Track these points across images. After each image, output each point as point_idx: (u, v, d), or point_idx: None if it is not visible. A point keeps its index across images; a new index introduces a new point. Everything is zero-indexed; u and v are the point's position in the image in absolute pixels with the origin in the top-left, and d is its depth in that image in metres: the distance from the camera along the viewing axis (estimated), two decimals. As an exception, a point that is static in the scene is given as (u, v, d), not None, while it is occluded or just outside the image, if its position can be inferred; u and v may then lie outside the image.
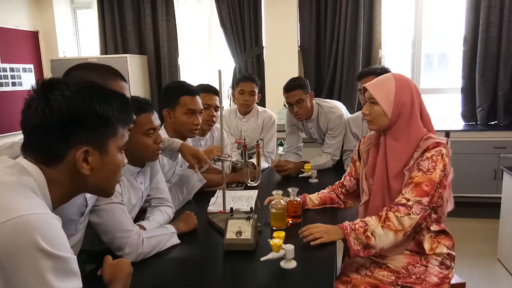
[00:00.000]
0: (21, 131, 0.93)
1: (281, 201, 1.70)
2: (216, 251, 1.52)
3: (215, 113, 2.39)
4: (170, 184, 2.05)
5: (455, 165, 1.64)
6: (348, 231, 1.50)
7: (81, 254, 1.39)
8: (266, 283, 1.31)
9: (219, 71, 1.75)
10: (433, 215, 1.60)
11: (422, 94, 1.66)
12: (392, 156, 1.61)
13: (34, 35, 4.74)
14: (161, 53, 4.62)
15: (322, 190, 1.98)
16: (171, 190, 2.01)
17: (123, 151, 1.03)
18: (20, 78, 4.49)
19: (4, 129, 4.28)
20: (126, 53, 4.61)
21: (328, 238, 1.49)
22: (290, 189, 1.78)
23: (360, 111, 2.16)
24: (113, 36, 4.71)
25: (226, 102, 4.46)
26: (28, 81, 4.56)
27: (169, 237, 1.54)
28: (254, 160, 2.37)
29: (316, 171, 2.48)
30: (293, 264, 1.35)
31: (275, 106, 3.90)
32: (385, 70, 2.41)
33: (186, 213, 1.75)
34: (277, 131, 3.06)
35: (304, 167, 2.50)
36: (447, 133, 3.65)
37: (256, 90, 2.88)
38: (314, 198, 1.93)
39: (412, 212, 1.47)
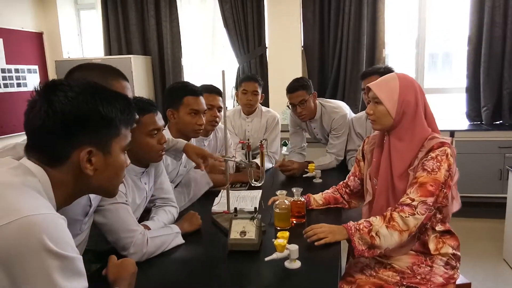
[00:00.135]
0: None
1: (285, 201, 1.70)
2: (220, 251, 1.52)
3: (218, 114, 2.39)
4: (174, 184, 2.06)
5: (460, 165, 1.63)
6: (353, 231, 1.49)
7: (87, 254, 1.39)
8: (270, 283, 1.31)
9: (223, 72, 1.75)
10: (438, 215, 1.59)
11: (426, 94, 1.65)
12: (396, 156, 1.60)
13: (39, 36, 4.76)
14: (164, 53, 4.63)
15: (326, 190, 1.98)
16: (178, 190, 2.01)
17: (126, 151, 1.03)
18: (25, 79, 4.52)
19: (9, 129, 4.30)
20: (130, 54, 4.62)
21: (333, 238, 1.49)
22: (294, 189, 1.78)
23: (364, 111, 2.15)
24: (117, 37, 4.73)
25: (230, 102, 4.47)
26: (32, 82, 4.58)
27: (173, 237, 1.54)
28: (258, 160, 2.37)
29: (320, 171, 2.48)
30: (297, 264, 1.35)
31: (279, 106, 3.89)
32: (388, 70, 2.40)
33: (190, 213, 1.75)
34: (281, 131, 3.06)
35: (308, 167, 2.49)
36: (452, 133, 3.63)
37: (259, 90, 2.88)
38: (318, 198, 1.92)
39: (417, 212, 1.46)
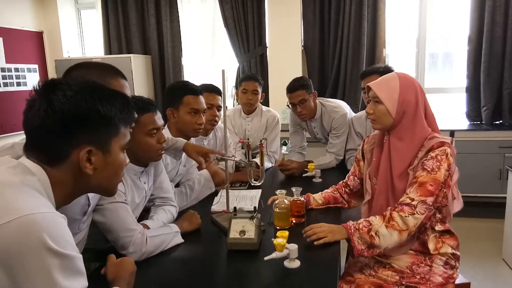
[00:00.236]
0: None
1: (285, 200, 1.70)
2: (220, 251, 1.52)
3: (217, 113, 2.39)
4: (174, 183, 2.05)
5: (459, 165, 1.63)
6: (352, 230, 1.49)
7: (86, 253, 1.38)
8: (270, 283, 1.31)
9: (223, 71, 1.75)
10: (438, 215, 1.59)
11: (426, 94, 1.65)
12: (396, 156, 1.60)
13: (39, 35, 4.76)
14: (165, 53, 4.62)
15: (326, 190, 1.98)
16: (180, 190, 2.00)
17: (125, 150, 1.03)
18: (24, 78, 4.51)
19: (9, 128, 4.30)
20: (130, 53, 4.62)
21: (332, 237, 1.49)
22: (293, 189, 1.78)
23: (364, 110, 2.15)
24: (117, 36, 4.73)
25: (230, 102, 4.47)
26: (32, 81, 4.57)
27: (172, 236, 1.54)
28: (257, 160, 2.37)
29: (319, 170, 2.48)
30: (296, 263, 1.35)
31: (279, 105, 3.89)
32: (388, 69, 2.40)
33: (189, 212, 1.75)
34: (281, 130, 3.05)
35: (308, 167, 2.49)
36: (452, 133, 3.63)
37: (259, 89, 2.88)
38: (317, 198, 1.92)
39: (417, 212, 1.46)
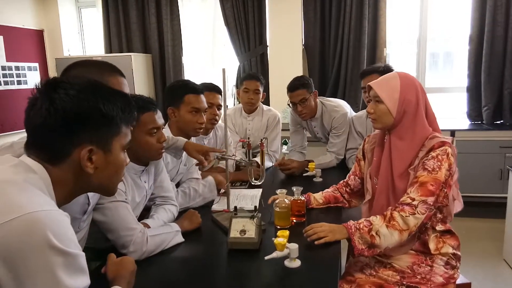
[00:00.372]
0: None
1: (285, 200, 1.70)
2: (220, 250, 1.52)
3: (218, 112, 2.39)
4: (174, 182, 2.05)
5: (460, 164, 1.63)
6: (353, 230, 1.49)
7: (86, 252, 1.38)
8: (270, 282, 1.30)
9: (223, 70, 1.74)
10: (439, 215, 1.59)
11: (427, 93, 1.65)
12: (396, 155, 1.60)
13: (39, 33, 4.75)
14: (165, 51, 4.62)
15: (327, 189, 1.98)
16: (184, 191, 2.00)
17: (125, 150, 1.03)
18: (25, 76, 4.51)
19: (9, 127, 4.30)
20: (131, 51, 4.62)
21: (333, 237, 1.49)
22: (294, 188, 1.77)
23: (364, 110, 2.15)
24: (117, 34, 4.72)
25: (230, 101, 4.46)
26: (33, 79, 4.57)
27: (173, 235, 1.54)
28: (258, 159, 2.36)
29: (320, 170, 2.48)
30: (297, 263, 1.35)
31: (279, 104, 3.89)
32: (388, 68, 2.40)
33: (190, 211, 1.75)
34: (282, 130, 3.05)
35: (309, 166, 2.49)
36: (453, 133, 3.62)
37: (261, 89, 2.88)
38: (318, 197, 1.92)
39: (417, 212, 1.46)
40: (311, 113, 2.73)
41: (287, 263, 1.35)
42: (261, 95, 2.90)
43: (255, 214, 1.52)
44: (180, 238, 1.56)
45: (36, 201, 0.82)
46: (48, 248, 0.78)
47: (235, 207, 1.60)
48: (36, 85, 0.92)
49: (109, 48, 4.78)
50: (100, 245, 1.48)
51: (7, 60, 4.29)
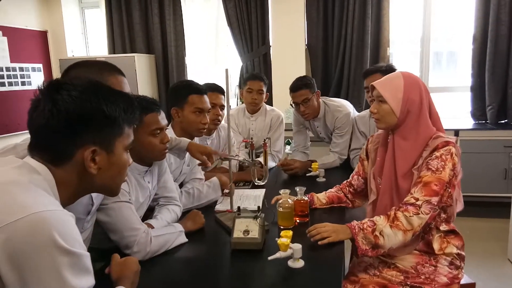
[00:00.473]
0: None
1: (289, 200, 1.70)
2: (224, 250, 1.52)
3: (220, 112, 2.39)
4: (177, 183, 2.05)
5: (464, 164, 1.62)
6: (356, 230, 1.48)
7: (90, 252, 1.39)
8: (274, 282, 1.30)
9: (226, 70, 1.74)
10: (443, 215, 1.58)
11: (431, 93, 1.64)
12: (400, 155, 1.59)
13: (43, 34, 4.77)
14: (168, 52, 4.63)
15: (330, 189, 1.97)
16: (188, 191, 2.00)
17: (128, 150, 1.03)
18: (29, 77, 4.53)
19: (13, 128, 4.32)
20: (134, 52, 4.63)
21: (336, 237, 1.48)
22: (297, 188, 1.77)
23: (367, 110, 2.14)
24: (121, 35, 4.74)
25: (233, 101, 4.47)
26: (37, 80, 4.59)
27: (176, 235, 1.54)
28: (261, 159, 2.36)
29: (323, 170, 2.47)
30: (300, 263, 1.35)
31: (282, 104, 3.88)
32: (390, 68, 2.40)
33: (193, 211, 1.75)
34: (285, 130, 3.05)
35: (312, 166, 2.48)
36: (457, 132, 3.61)
37: (264, 89, 2.88)
38: (321, 197, 1.92)
39: (421, 212, 1.45)
40: (314, 113, 2.72)
41: (290, 263, 1.35)
42: (264, 95, 2.90)
43: (259, 214, 1.52)
44: (183, 239, 1.57)
45: (41, 202, 0.83)
46: (54, 248, 0.78)
47: (239, 207, 1.60)
48: (39, 87, 0.92)
49: (112, 49, 4.80)
50: (104, 246, 1.48)
51: (11, 61, 4.31)
